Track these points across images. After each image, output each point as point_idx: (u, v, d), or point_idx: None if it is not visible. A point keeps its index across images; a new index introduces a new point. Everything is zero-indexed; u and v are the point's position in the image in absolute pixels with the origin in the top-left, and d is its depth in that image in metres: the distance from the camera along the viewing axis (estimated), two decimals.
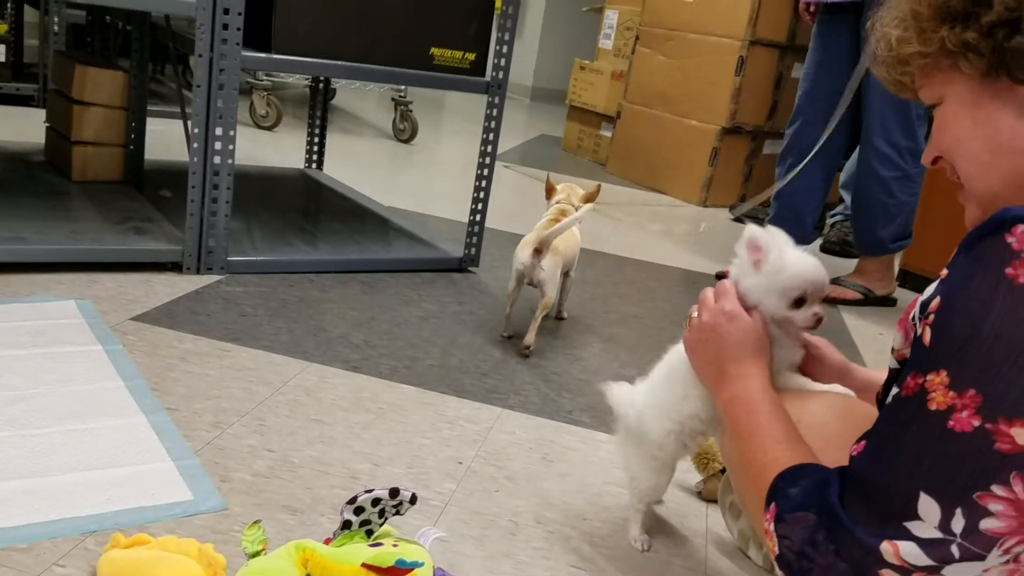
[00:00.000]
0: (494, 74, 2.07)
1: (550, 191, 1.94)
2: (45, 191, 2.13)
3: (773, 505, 0.75)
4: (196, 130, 1.77)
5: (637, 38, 3.99)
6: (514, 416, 1.46)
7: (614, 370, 1.73)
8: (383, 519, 0.92)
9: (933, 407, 0.64)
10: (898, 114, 2.37)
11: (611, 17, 4.39)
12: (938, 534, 0.63)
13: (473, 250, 2.22)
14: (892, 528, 0.65)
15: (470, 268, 2.24)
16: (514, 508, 1.19)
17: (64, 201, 2.08)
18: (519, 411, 1.49)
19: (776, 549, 0.72)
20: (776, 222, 1.76)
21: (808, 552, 0.69)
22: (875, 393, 0.85)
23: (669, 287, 2.43)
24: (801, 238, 2.54)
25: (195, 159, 1.79)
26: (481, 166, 2.15)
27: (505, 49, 2.05)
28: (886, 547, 0.65)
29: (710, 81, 3.61)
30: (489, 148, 2.13)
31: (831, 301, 2.57)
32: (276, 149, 3.41)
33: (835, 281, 2.62)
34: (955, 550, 0.63)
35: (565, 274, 1.88)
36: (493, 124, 2.11)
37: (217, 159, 1.80)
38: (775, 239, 0.96)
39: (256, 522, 0.91)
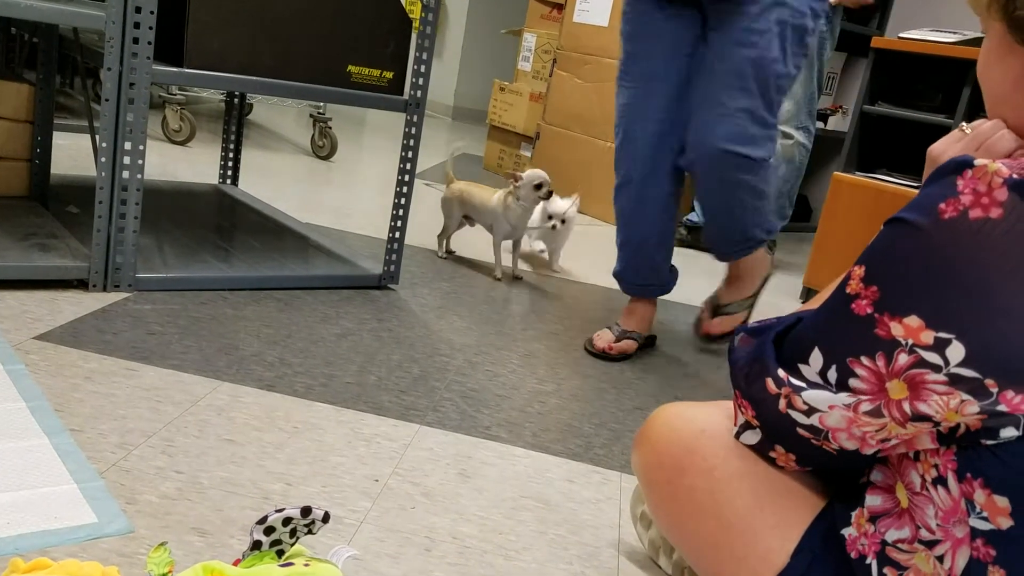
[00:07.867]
0: (412, 92, 2.08)
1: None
2: None
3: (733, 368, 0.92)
4: (104, 144, 1.73)
5: (555, 61, 4.06)
6: (432, 432, 1.47)
7: (531, 386, 1.75)
8: (294, 539, 0.91)
9: (848, 291, 0.80)
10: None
11: (529, 40, 4.46)
12: (818, 380, 0.82)
13: (392, 267, 2.22)
14: (790, 368, 0.84)
15: (389, 285, 2.24)
16: (430, 524, 1.19)
17: None
18: (437, 427, 1.49)
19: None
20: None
21: (741, 361, 0.90)
22: None
23: (585, 304, 2.47)
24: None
25: (103, 174, 1.75)
26: (400, 183, 2.15)
27: (423, 68, 2.07)
28: (781, 371, 0.85)
29: None
30: (408, 166, 2.13)
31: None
32: (189, 164, 3.34)
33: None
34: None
35: (517, 241, 2.62)
36: (412, 142, 2.11)
37: (126, 174, 1.76)
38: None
39: (162, 544, 0.89)
